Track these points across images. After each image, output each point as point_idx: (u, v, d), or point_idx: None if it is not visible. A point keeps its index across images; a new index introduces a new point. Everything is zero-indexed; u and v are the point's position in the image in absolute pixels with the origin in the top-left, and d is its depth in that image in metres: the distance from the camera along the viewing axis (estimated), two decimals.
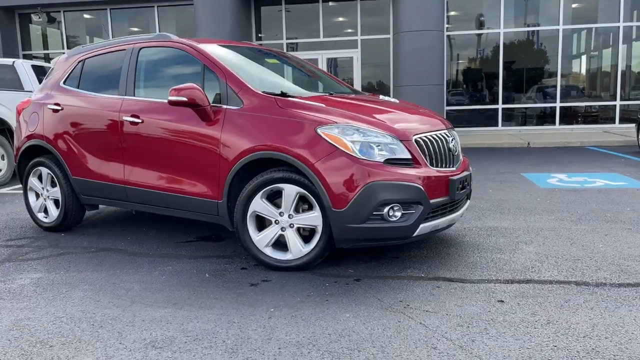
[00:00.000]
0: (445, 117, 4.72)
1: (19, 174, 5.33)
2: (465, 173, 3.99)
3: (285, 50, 15.04)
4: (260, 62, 4.82)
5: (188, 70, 4.28)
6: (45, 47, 17.40)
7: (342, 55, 14.92)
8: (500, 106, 14.36)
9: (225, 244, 4.47)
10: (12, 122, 7.63)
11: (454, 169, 3.91)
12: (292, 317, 2.97)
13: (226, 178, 3.83)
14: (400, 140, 3.60)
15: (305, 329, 2.81)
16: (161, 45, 4.50)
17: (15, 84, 8.34)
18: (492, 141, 12.19)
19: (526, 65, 14.62)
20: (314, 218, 3.62)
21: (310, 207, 3.65)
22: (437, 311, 2.98)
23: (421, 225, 3.58)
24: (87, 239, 4.79)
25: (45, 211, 5.13)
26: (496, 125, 14.41)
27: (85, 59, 5.00)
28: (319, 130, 3.54)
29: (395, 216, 3.51)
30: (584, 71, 14.74)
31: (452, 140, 4.00)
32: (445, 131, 4.02)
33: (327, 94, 4.46)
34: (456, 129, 4.73)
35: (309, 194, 3.59)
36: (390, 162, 3.54)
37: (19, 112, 5.34)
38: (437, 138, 3.84)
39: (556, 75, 14.21)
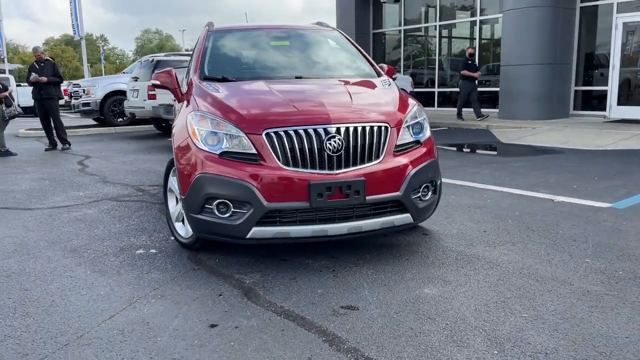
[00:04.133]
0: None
1: None
2: (357, 179, 3.23)
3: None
4: (265, 46, 4.77)
5: None
6: (385, 25, 19.25)
7: None
8: None
9: None
10: None
11: (332, 171, 3.25)
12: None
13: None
14: (247, 133, 3.31)
15: None
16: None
17: None
18: None
19: None
20: None
21: None
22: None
23: (255, 229, 3.28)
24: None
25: None
26: None
27: None
28: (188, 117, 3.61)
29: (225, 213, 3.32)
30: None
31: (333, 138, 3.26)
32: (332, 126, 3.28)
33: (292, 78, 4.22)
34: None
35: None
36: (231, 155, 3.33)
37: None
38: (304, 134, 3.27)
39: None
